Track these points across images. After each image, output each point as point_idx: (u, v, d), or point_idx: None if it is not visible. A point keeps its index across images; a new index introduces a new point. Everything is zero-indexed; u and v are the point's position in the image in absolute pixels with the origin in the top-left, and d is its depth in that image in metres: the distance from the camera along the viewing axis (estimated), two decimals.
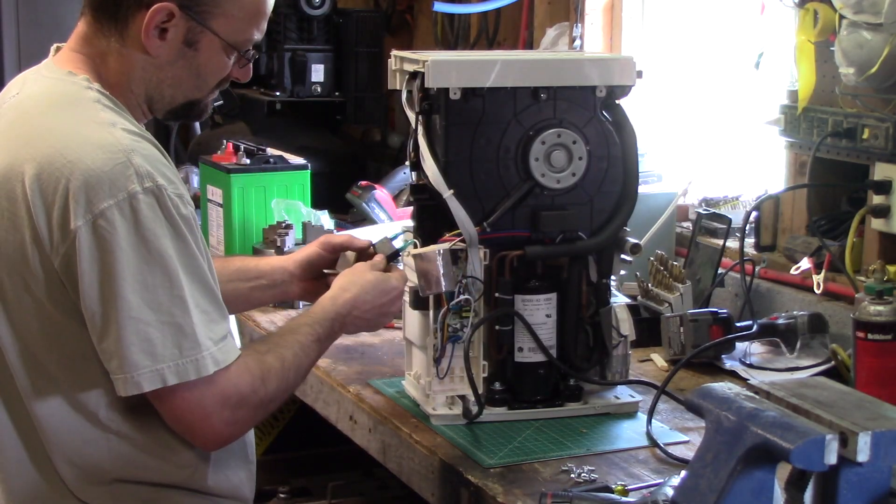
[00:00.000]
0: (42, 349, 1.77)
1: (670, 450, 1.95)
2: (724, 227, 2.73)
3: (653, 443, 2.00)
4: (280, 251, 2.82)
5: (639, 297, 2.64)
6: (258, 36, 1.90)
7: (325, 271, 2.21)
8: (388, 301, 2.06)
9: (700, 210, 2.88)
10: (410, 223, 2.16)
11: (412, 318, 2.15)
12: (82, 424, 1.78)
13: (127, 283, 1.68)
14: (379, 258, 2.12)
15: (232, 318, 1.87)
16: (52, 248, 1.71)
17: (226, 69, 1.89)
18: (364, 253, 2.18)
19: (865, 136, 2.42)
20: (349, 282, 2.04)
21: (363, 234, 2.97)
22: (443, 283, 2.01)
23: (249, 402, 1.79)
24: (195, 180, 3.68)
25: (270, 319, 2.73)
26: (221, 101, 3.55)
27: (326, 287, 2.08)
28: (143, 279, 1.69)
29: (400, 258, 2.13)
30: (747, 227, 2.72)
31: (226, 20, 1.84)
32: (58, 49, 1.91)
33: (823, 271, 2.49)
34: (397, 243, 2.18)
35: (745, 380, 2.24)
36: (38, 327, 1.76)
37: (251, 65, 1.94)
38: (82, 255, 1.68)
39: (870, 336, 2.05)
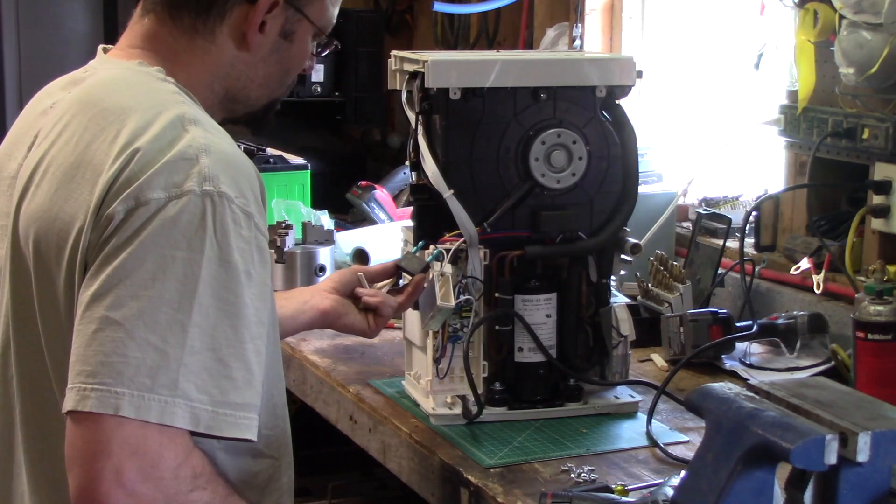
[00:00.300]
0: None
1: (670, 450, 1.95)
2: (724, 227, 2.73)
3: (653, 443, 1.99)
4: (280, 251, 2.82)
5: (639, 297, 2.64)
6: (336, 14, 1.77)
7: (358, 290, 2.11)
8: None
9: (700, 210, 2.88)
10: (410, 223, 2.16)
11: (412, 318, 2.15)
12: None
13: (128, 284, 1.43)
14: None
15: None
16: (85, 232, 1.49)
17: (307, 59, 1.76)
18: (391, 274, 2.12)
19: (865, 136, 2.42)
20: None
21: (373, 242, 2.97)
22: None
23: (164, 487, 1.42)
24: None
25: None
26: None
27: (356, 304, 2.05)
28: (151, 286, 1.43)
29: (430, 269, 2.05)
30: (747, 227, 2.72)
31: (320, 3, 1.72)
32: (105, 51, 1.72)
33: (823, 271, 2.48)
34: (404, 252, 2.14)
35: (745, 380, 2.24)
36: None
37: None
38: (108, 241, 1.46)
39: (870, 336, 2.05)
